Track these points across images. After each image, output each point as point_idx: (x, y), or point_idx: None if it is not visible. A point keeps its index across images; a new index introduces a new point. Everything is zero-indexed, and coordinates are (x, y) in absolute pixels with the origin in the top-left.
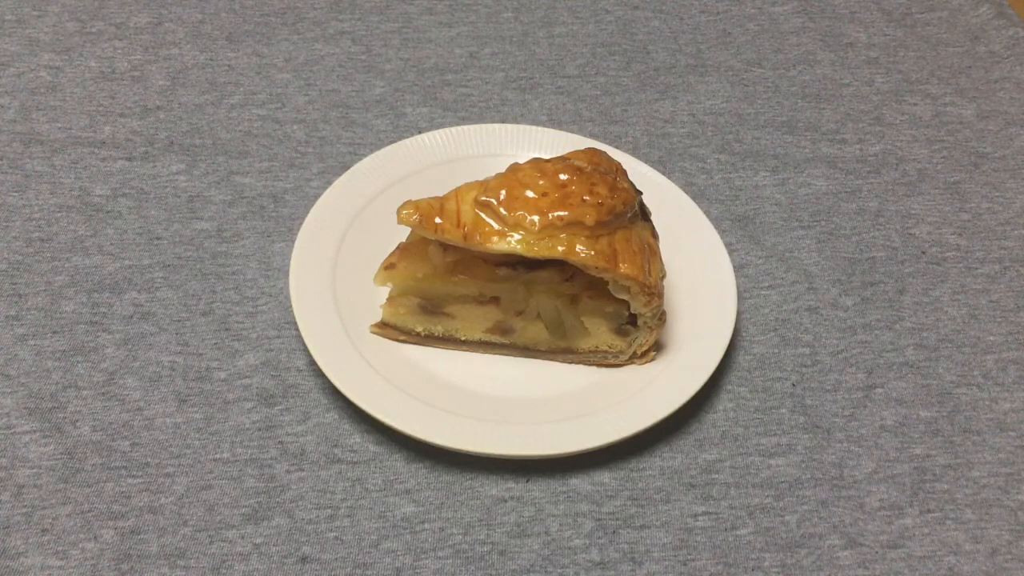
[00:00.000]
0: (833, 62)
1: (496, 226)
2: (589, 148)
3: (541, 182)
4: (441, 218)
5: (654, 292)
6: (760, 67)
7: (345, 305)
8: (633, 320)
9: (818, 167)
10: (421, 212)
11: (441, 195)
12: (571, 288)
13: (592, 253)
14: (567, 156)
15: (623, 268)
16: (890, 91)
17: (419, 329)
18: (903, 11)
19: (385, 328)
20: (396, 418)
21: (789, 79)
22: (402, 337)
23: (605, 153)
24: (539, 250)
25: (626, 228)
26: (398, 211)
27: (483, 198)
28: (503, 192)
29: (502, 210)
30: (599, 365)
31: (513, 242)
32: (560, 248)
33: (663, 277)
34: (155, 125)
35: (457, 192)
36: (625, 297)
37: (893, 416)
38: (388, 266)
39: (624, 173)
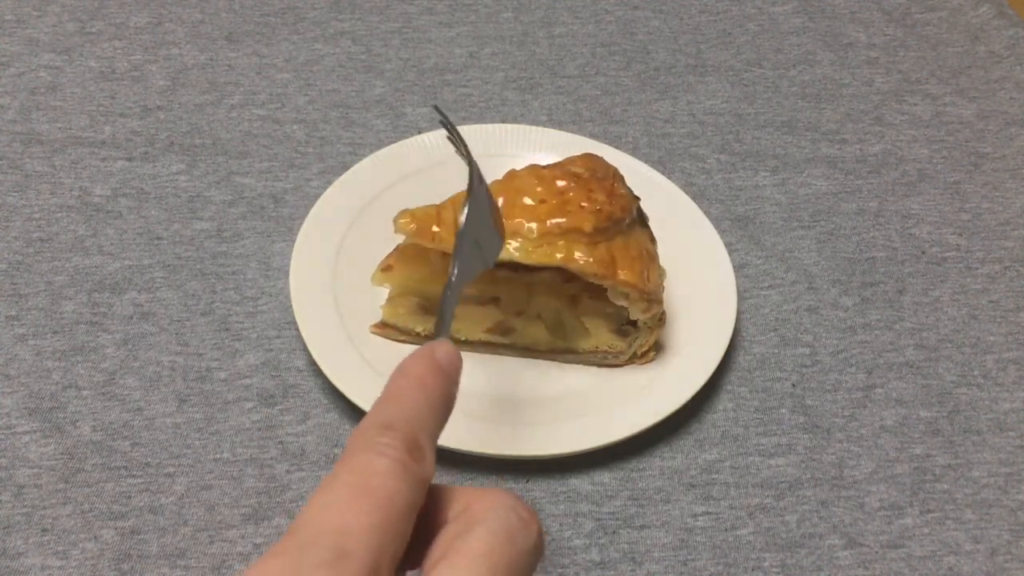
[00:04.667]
0: (833, 62)
1: None
2: (586, 154)
3: (538, 189)
4: (439, 227)
5: (653, 299)
6: (760, 67)
7: (345, 305)
8: (633, 321)
9: (818, 167)
10: (418, 221)
11: (438, 202)
12: (571, 289)
13: (591, 260)
14: (564, 162)
15: (622, 275)
16: (890, 91)
17: (419, 329)
18: (903, 11)
19: (385, 328)
20: None
21: (789, 79)
22: (402, 337)
23: (602, 158)
24: (537, 257)
25: (624, 234)
26: (395, 220)
27: None
28: (500, 199)
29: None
30: (599, 365)
31: (511, 249)
32: (558, 255)
33: (663, 278)
34: (155, 125)
35: (454, 200)
36: (624, 303)
37: (893, 416)
38: (385, 268)
39: (621, 178)
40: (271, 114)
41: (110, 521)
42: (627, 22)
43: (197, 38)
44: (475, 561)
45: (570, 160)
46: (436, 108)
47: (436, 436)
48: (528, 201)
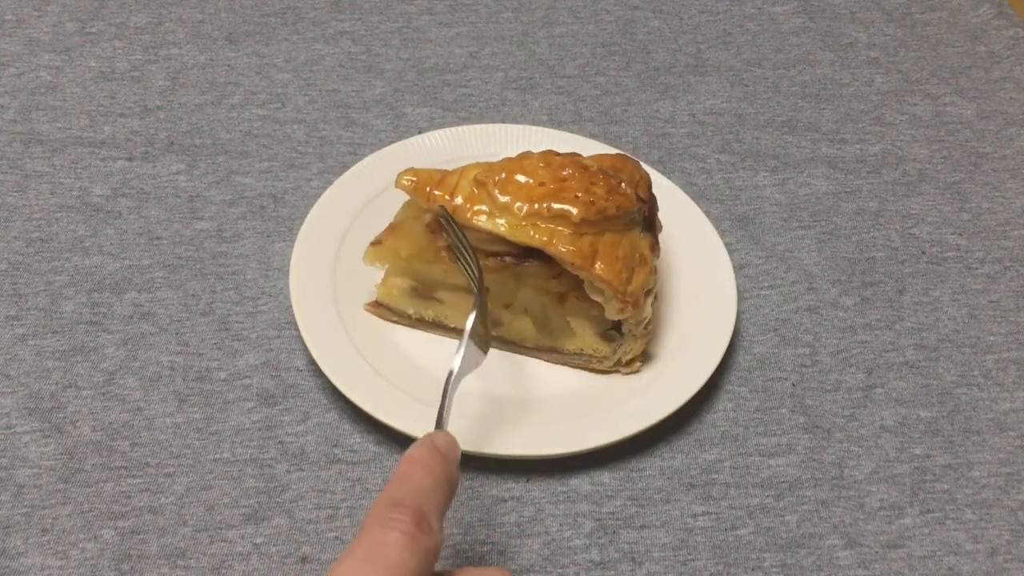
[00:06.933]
0: (833, 62)
1: (486, 207)
2: (619, 154)
3: (541, 171)
4: (438, 189)
5: (628, 301)
6: (760, 67)
7: (345, 306)
8: (619, 326)
9: (818, 167)
10: (419, 179)
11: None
12: (559, 286)
13: (571, 248)
14: (586, 156)
15: (598, 269)
16: (890, 91)
17: (410, 311)
18: (903, 11)
19: (379, 308)
20: (396, 418)
21: (789, 79)
22: (394, 318)
23: (633, 162)
24: (519, 235)
25: (618, 233)
26: (399, 175)
27: (482, 177)
28: (502, 175)
29: (496, 191)
30: (583, 368)
31: (497, 223)
32: (541, 237)
33: (649, 291)
34: (155, 125)
35: (463, 168)
36: (599, 299)
37: (893, 416)
38: (375, 242)
39: (642, 183)
40: (271, 114)
41: (110, 521)
42: (627, 22)
43: (197, 38)
44: None
45: (596, 156)
46: (442, 208)
47: (443, 511)
48: (528, 181)
